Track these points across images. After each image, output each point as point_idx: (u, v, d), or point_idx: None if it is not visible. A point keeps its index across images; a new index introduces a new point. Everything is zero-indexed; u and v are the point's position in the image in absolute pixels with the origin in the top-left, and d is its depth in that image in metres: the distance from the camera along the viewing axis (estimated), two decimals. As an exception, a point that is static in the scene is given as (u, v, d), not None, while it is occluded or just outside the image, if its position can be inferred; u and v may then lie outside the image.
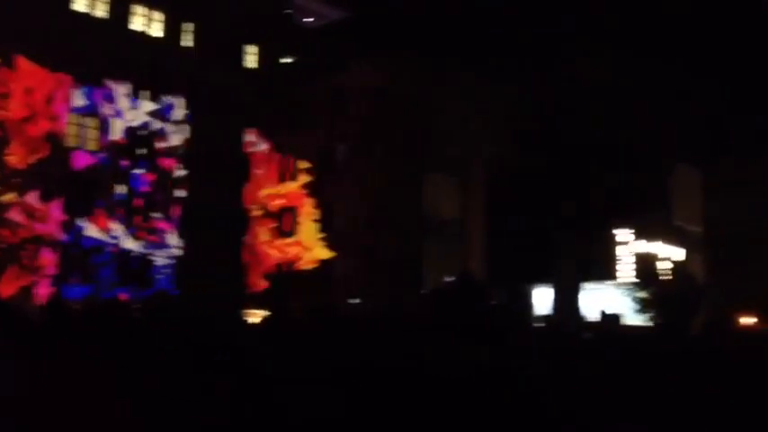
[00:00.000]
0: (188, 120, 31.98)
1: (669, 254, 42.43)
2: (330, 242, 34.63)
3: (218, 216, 29.95)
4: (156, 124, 31.59)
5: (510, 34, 34.02)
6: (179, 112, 32.08)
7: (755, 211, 35.68)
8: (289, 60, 36.17)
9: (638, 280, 40.86)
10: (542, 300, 36.32)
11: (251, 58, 34.78)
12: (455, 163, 39.13)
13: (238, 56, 34.13)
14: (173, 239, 31.41)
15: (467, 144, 38.54)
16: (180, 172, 31.97)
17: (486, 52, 34.36)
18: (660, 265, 42.19)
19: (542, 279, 37.83)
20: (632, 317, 34.83)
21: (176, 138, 32.02)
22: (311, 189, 35.31)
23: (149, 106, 31.44)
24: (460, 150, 38.59)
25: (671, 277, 41.04)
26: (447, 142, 37.89)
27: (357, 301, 28.42)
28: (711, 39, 32.43)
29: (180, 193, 31.87)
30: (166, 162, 31.75)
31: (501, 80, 35.07)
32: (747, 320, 31.42)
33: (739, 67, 32.98)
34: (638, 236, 42.40)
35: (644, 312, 35.95)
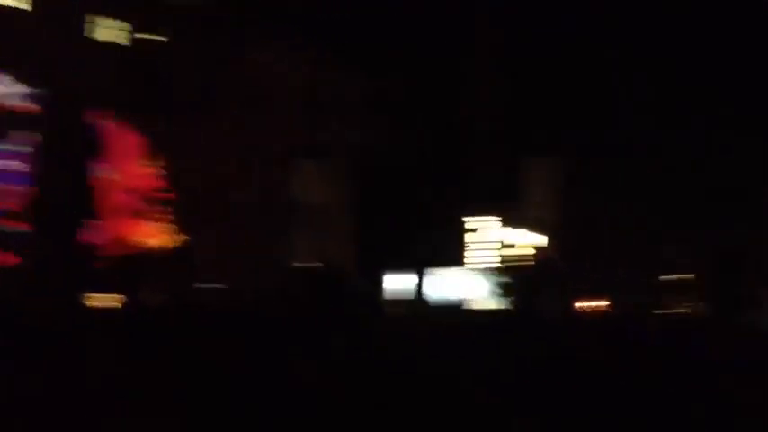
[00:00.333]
0: (41, 95, 30.66)
1: (529, 241, 43.78)
2: (187, 225, 33.91)
3: (65, 195, 28.82)
4: (9, 100, 30.23)
5: (384, 23, 34.37)
6: (33, 86, 30.72)
7: (606, 201, 37.46)
8: (155, 38, 35.00)
9: (498, 266, 42.01)
10: (403, 286, 36.80)
11: (115, 33, 33.43)
12: (324, 149, 39.09)
13: (84, 30, 32.72)
14: (17, 220, 30.09)
15: (335, 130, 38.54)
16: (29, 149, 30.64)
17: (354, 38, 34.54)
18: (520, 252, 43.50)
19: (405, 266, 38.29)
20: (491, 302, 35.92)
21: (29, 113, 30.66)
22: (168, 170, 34.43)
23: (3, 80, 30.09)
24: (329, 137, 38.56)
25: (531, 263, 42.40)
26: (316, 128, 37.77)
27: (216, 285, 28.00)
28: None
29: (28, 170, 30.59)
30: (15, 139, 30.37)
31: (370, 67, 35.32)
32: (598, 304, 33.32)
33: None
34: (501, 222, 43.56)
35: (503, 297, 37.08)
